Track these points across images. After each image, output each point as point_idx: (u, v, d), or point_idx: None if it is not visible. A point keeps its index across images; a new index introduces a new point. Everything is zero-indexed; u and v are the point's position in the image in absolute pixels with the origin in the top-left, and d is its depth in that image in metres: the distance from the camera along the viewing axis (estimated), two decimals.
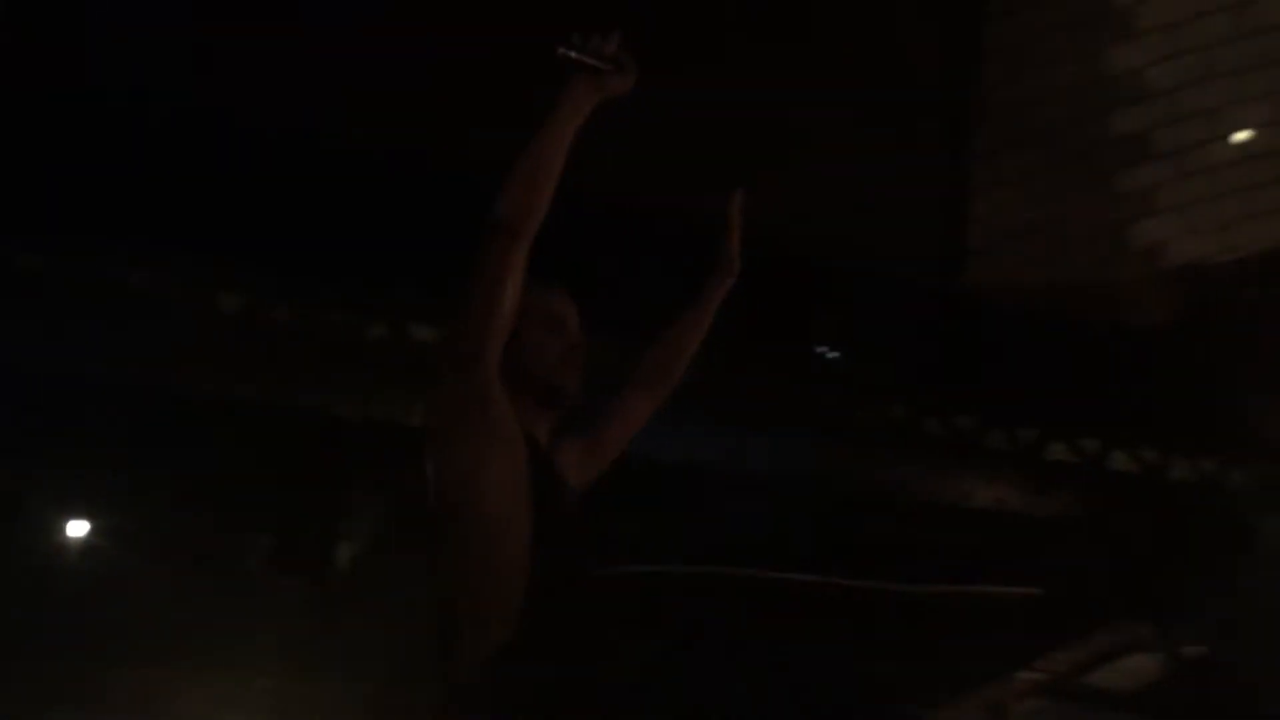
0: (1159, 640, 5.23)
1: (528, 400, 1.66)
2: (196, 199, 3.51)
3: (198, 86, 3.81)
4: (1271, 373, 4.81)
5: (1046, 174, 4.74)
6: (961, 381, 4.35)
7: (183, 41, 3.84)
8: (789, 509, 4.46)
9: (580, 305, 1.86)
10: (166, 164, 3.55)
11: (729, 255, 2.03)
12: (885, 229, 4.20)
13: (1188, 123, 4.65)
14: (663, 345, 2.02)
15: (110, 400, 3.79)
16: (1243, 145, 4.73)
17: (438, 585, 1.58)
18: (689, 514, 4.28)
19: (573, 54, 1.55)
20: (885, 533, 4.83)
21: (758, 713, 5.11)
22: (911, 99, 3.98)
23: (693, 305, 2.02)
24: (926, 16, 4.00)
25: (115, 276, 3.61)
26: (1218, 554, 4.85)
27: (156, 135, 3.61)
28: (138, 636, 4.08)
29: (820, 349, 4.52)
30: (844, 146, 3.91)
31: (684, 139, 3.69)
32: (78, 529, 4.21)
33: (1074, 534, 4.94)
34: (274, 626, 4.16)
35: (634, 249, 3.94)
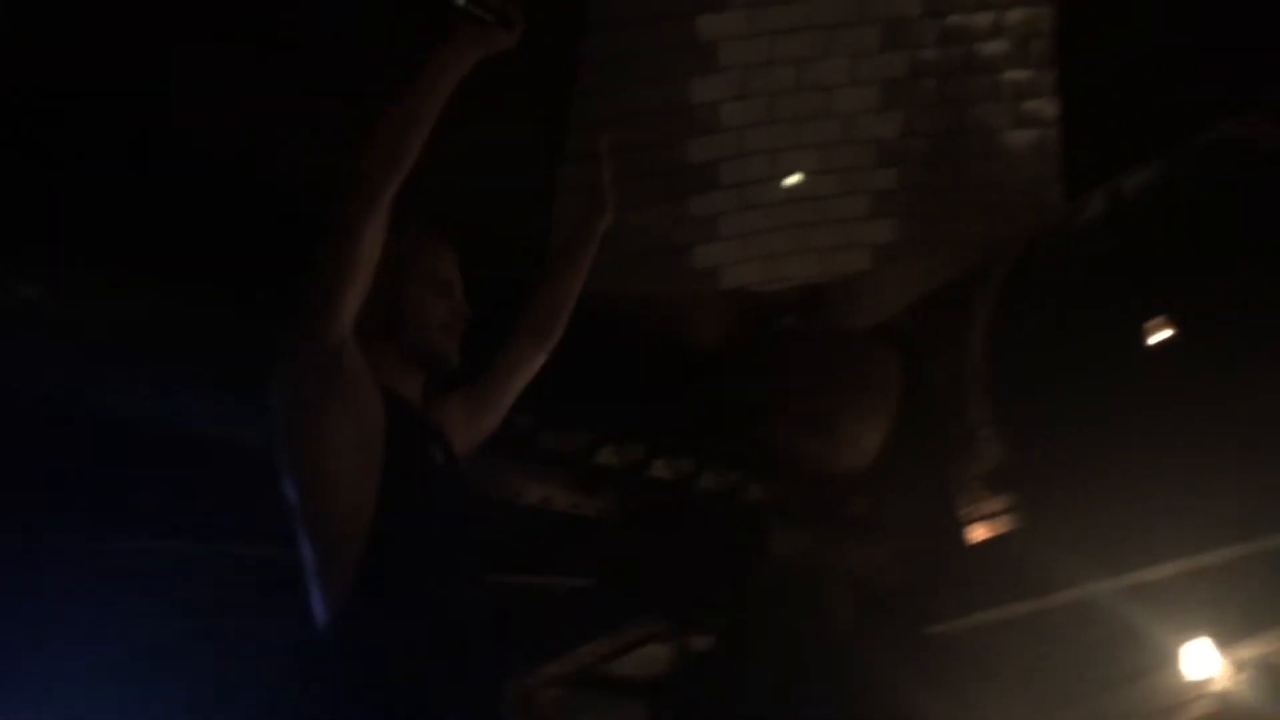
0: (674, 633, 5.63)
1: (397, 359, 1.64)
2: None
3: None
4: (796, 398, 5.35)
5: (627, 188, 4.86)
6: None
7: None
8: None
9: None
10: None
11: (601, 193, 2.01)
12: (470, 224, 4.09)
13: (751, 159, 4.97)
14: (546, 291, 2.02)
15: None
16: (794, 187, 5.15)
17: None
18: (205, 490, 3.96)
19: (461, 2, 1.50)
20: None
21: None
22: (511, 100, 3.90)
23: (571, 247, 2.04)
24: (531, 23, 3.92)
25: None
26: (734, 557, 5.31)
27: None
28: None
29: None
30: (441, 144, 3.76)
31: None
32: None
33: (613, 534, 5.17)
34: None
35: None
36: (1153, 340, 5.20)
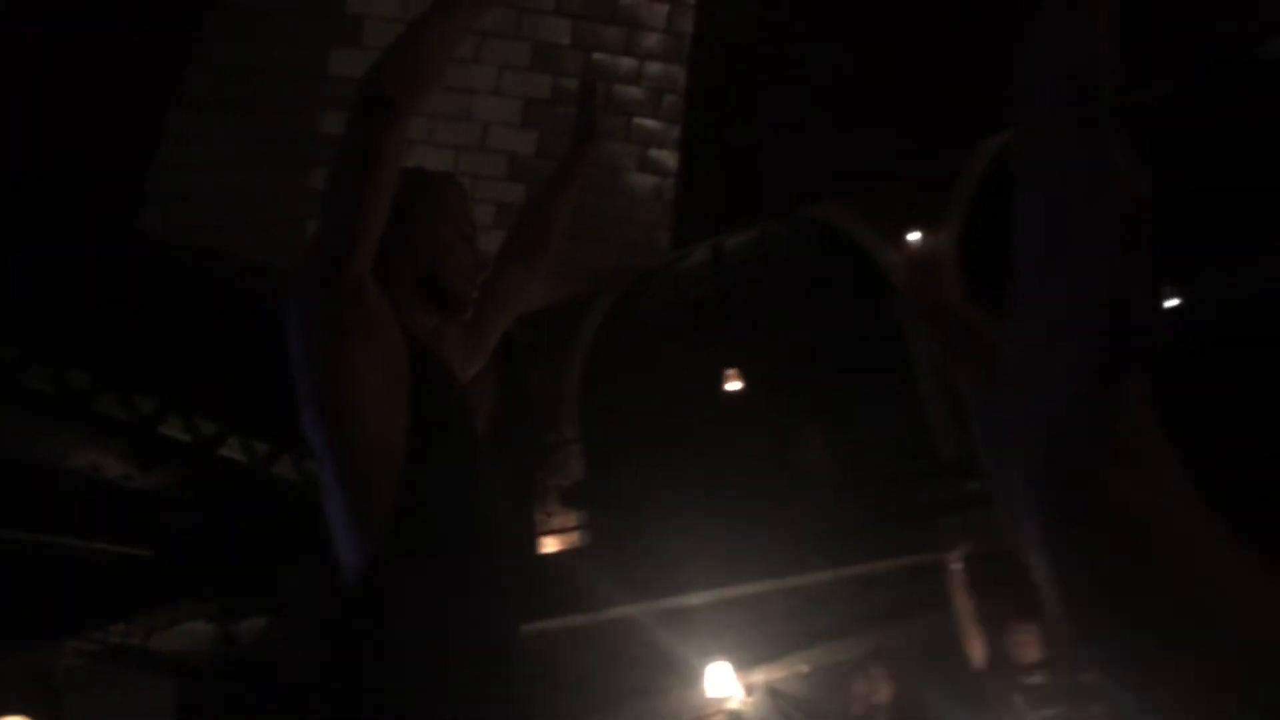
0: (219, 614, 5.40)
1: (415, 299, 1.59)
2: None
3: None
4: None
5: (245, 144, 4.63)
6: (87, 336, 3.99)
7: None
8: None
9: None
10: None
11: (589, 120, 1.97)
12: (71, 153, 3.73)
13: None
14: (532, 216, 1.94)
15: None
16: None
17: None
18: None
19: None
20: None
21: None
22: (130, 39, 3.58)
23: (559, 173, 1.96)
24: None
25: None
26: (296, 548, 5.16)
27: None
28: None
29: None
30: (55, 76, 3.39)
31: None
32: None
33: (171, 508, 4.87)
34: None
35: None
36: (725, 388, 5.68)
